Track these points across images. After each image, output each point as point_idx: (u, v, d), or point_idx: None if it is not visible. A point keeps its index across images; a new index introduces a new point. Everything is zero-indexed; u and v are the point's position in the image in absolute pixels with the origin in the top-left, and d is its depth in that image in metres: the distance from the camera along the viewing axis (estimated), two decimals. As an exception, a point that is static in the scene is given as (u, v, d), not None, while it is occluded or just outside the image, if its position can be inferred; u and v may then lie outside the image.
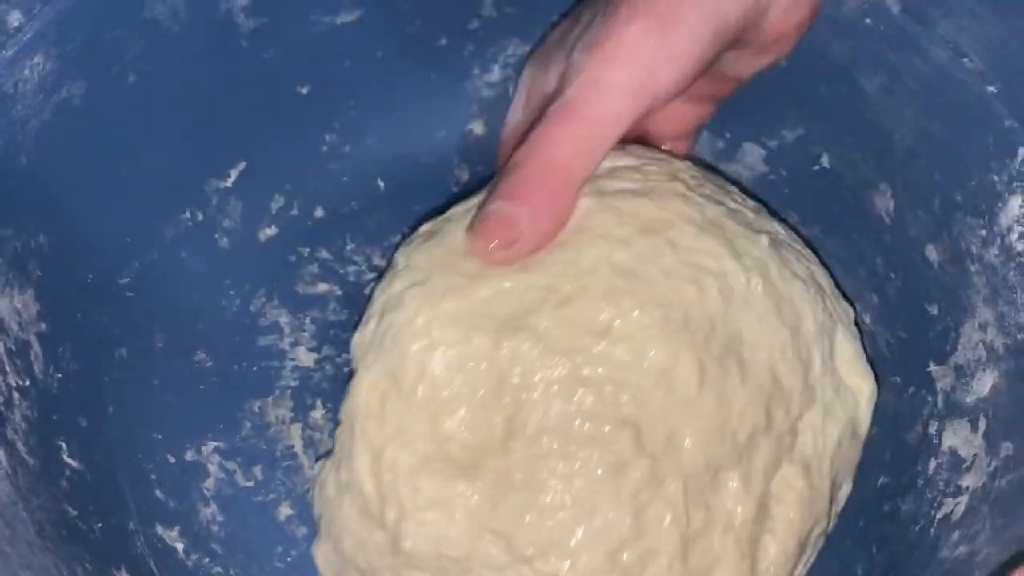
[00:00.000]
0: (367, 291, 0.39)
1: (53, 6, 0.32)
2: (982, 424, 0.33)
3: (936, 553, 0.32)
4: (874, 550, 0.34)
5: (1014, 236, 0.32)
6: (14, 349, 0.32)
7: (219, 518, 0.36)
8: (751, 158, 0.39)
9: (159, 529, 0.35)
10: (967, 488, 0.32)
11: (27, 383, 0.32)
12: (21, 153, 0.32)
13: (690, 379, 0.27)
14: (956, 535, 0.31)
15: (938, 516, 0.32)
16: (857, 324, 0.32)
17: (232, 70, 0.37)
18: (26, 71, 0.32)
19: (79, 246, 0.35)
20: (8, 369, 0.32)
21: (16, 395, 0.32)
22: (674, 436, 0.28)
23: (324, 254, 0.40)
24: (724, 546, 0.28)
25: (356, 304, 0.39)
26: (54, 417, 0.33)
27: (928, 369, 0.34)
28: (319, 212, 0.40)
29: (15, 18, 0.32)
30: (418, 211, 0.40)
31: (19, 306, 0.33)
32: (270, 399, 0.38)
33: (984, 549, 0.30)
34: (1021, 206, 0.32)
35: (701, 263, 0.28)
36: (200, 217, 0.38)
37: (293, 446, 0.37)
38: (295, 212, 0.40)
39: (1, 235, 0.32)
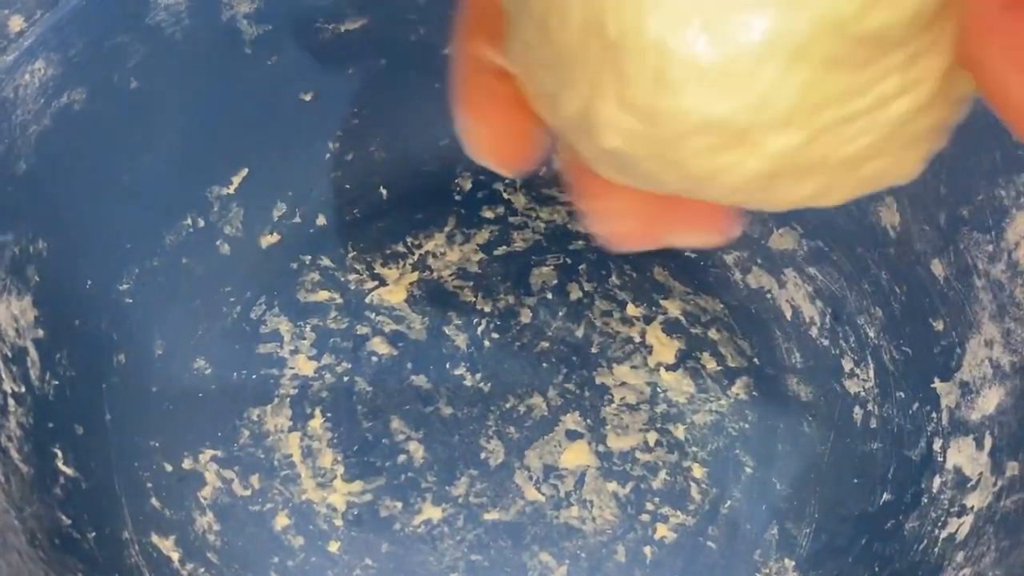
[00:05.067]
0: (368, 299, 0.39)
1: (55, 12, 0.32)
2: (987, 442, 0.32)
3: (940, 574, 0.31)
4: (877, 568, 0.34)
5: (1021, 252, 0.32)
6: (10, 355, 0.32)
7: (215, 527, 0.35)
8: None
9: (154, 538, 0.34)
10: (972, 508, 0.32)
11: (23, 390, 0.32)
12: (21, 159, 0.32)
13: None
14: (960, 556, 0.31)
15: (942, 535, 0.32)
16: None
17: (235, 77, 0.37)
18: (27, 76, 0.32)
19: (78, 252, 0.35)
20: (4, 376, 0.32)
21: (11, 402, 0.32)
22: None
23: (325, 262, 0.40)
24: None
25: (357, 312, 0.39)
26: (50, 424, 0.33)
27: (933, 385, 0.34)
28: (321, 219, 0.40)
29: (16, 23, 0.32)
30: (420, 219, 0.40)
31: (16, 312, 0.33)
32: (269, 407, 0.37)
33: (989, 571, 0.29)
34: (1029, 221, 0.32)
35: None
36: (201, 223, 0.38)
37: (291, 455, 0.37)
38: (297, 219, 0.40)
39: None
